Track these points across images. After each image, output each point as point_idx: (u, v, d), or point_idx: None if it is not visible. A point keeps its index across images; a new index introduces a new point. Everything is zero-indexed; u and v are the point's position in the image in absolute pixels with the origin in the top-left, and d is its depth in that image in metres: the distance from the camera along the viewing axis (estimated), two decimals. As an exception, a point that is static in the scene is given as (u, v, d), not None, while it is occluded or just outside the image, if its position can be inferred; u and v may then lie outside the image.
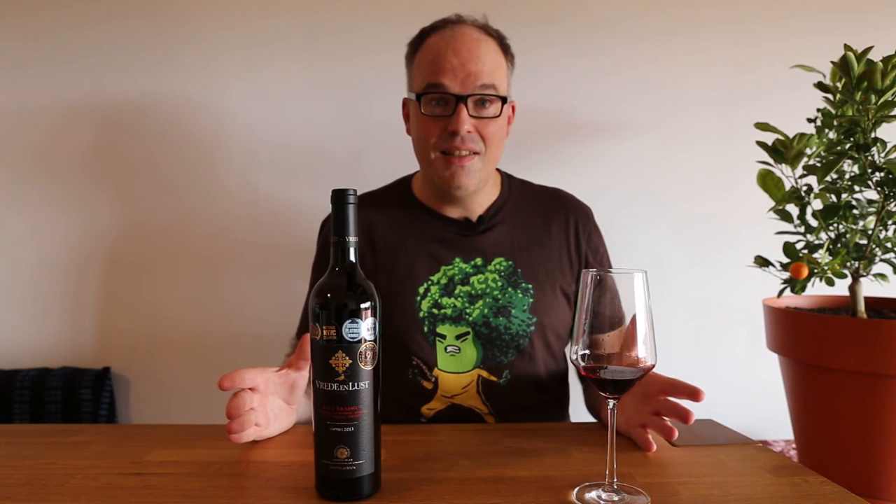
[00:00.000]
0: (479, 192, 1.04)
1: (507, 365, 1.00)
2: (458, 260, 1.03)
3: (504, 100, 0.98)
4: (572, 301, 1.07)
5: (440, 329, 1.00)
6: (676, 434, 0.76)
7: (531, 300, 1.02)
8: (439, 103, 0.97)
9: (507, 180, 1.12)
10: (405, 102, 1.07)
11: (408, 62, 1.04)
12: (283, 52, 1.42)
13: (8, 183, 1.45)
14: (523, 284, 1.03)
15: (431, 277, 1.02)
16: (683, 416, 0.74)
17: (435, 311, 1.00)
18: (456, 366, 1.00)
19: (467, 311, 1.00)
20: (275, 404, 0.80)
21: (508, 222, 1.07)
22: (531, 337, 1.01)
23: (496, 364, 1.00)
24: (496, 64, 0.98)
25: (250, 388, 0.75)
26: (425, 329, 1.00)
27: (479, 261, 1.03)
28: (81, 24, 1.41)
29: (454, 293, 1.01)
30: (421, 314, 1.00)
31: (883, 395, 0.91)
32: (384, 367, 0.94)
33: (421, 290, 1.01)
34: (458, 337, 1.00)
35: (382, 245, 1.05)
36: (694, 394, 0.74)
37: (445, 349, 1.00)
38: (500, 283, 1.02)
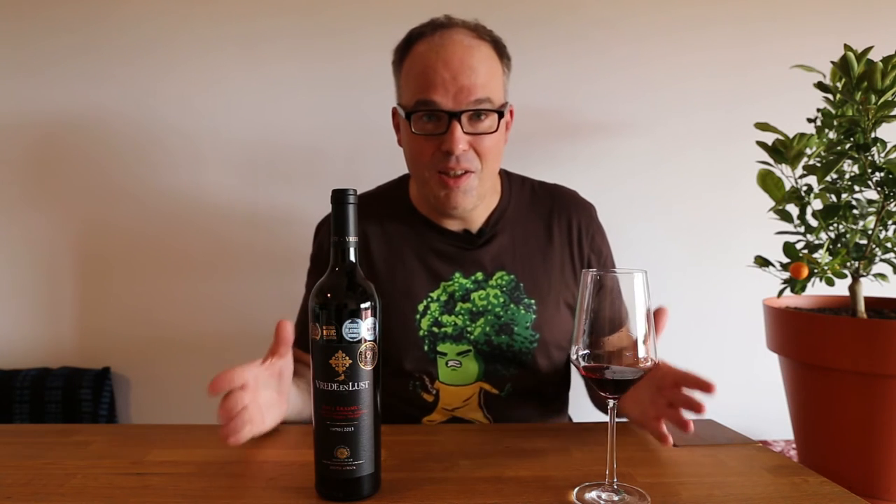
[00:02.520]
0: (476, 207, 1.00)
1: (508, 378, 0.99)
2: (458, 275, 1.00)
3: (501, 113, 0.93)
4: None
5: (441, 347, 0.98)
6: (692, 427, 0.75)
7: (534, 316, 0.99)
8: (431, 119, 0.91)
9: (507, 181, 1.08)
10: (395, 112, 1.02)
11: (395, 69, 0.99)
12: (280, 51, 1.42)
13: (9, 183, 1.45)
14: (525, 300, 0.99)
15: (431, 294, 0.99)
16: (696, 408, 0.73)
17: (435, 329, 0.98)
18: (457, 379, 0.98)
19: (468, 329, 0.98)
20: (266, 397, 0.78)
21: (510, 230, 1.03)
22: (534, 353, 0.99)
23: (498, 378, 0.99)
24: (491, 73, 0.92)
25: (240, 387, 0.74)
26: (426, 347, 0.97)
27: (479, 275, 1.00)
28: (82, 23, 1.41)
29: (455, 310, 0.98)
30: (421, 333, 0.97)
31: (883, 395, 0.91)
32: (384, 379, 0.94)
33: (420, 307, 0.99)
34: (459, 354, 0.98)
35: (379, 258, 1.02)
36: (706, 386, 0.73)
37: (447, 364, 0.98)
38: (501, 300, 0.99)
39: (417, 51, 0.93)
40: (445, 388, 0.98)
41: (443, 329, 0.98)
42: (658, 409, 0.78)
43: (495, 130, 0.93)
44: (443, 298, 0.99)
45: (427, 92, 0.90)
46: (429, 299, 0.99)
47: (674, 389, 0.76)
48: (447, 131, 0.90)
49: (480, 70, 0.90)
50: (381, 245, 1.03)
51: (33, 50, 1.42)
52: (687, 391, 0.75)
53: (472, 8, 1.01)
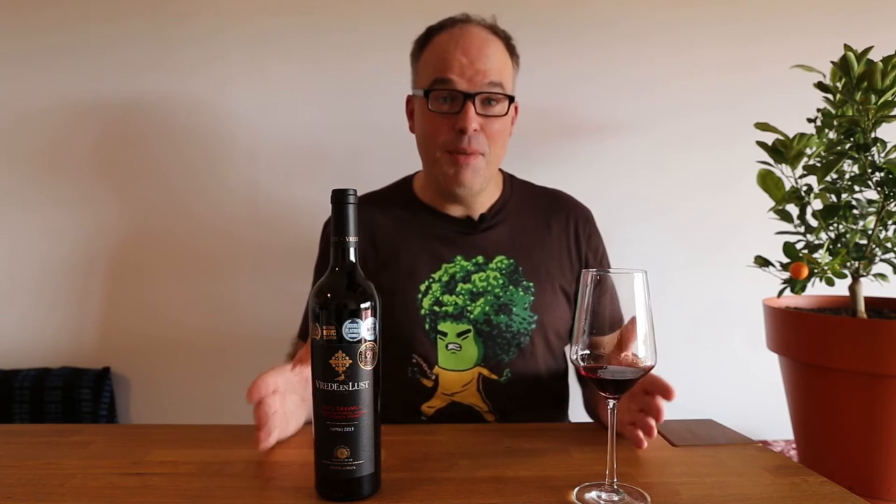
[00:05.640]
0: (481, 192, 1.05)
1: (507, 363, 1.01)
2: (459, 258, 1.03)
3: (511, 99, 0.99)
4: (572, 300, 1.07)
5: (441, 326, 1.00)
6: (655, 433, 0.76)
7: (532, 298, 1.02)
8: (446, 100, 0.97)
9: (509, 181, 1.13)
10: (409, 99, 1.07)
11: (413, 59, 1.05)
12: (283, 51, 1.42)
13: (9, 183, 1.45)
14: (524, 282, 1.03)
15: (433, 275, 1.02)
16: (656, 415, 0.75)
17: (436, 308, 1.01)
18: (457, 363, 1.00)
19: (468, 308, 1.01)
20: (292, 402, 0.81)
21: (510, 221, 1.08)
22: (532, 335, 1.01)
23: (497, 362, 1.00)
24: (504, 63, 0.99)
25: (272, 392, 0.75)
26: (427, 326, 1.00)
27: (480, 259, 1.04)
28: (83, 23, 1.41)
29: (455, 291, 1.02)
30: (422, 312, 1.00)
31: (883, 395, 0.91)
32: (385, 364, 0.95)
33: (422, 287, 1.02)
34: (459, 334, 1.00)
35: (385, 244, 1.06)
36: (666, 391, 0.75)
37: (446, 347, 1.00)
38: (501, 281, 1.02)
39: (437, 40, 1.00)
40: (445, 374, 1.00)
41: (443, 308, 1.01)
42: (632, 415, 0.79)
43: (505, 114, 0.99)
44: (444, 279, 1.02)
45: (445, 72, 0.96)
46: (430, 280, 1.02)
47: (643, 396, 0.78)
48: (461, 111, 0.95)
49: (495, 58, 0.98)
50: (387, 231, 1.07)
51: (31, 48, 1.42)
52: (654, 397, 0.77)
53: (474, 8, 1.02)
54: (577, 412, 1.12)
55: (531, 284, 1.03)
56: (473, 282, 1.02)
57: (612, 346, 0.62)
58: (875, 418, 0.92)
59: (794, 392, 1.05)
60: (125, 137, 1.44)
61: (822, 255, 1.00)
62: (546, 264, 1.05)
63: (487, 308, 1.01)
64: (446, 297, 1.01)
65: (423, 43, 1.02)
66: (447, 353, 1.00)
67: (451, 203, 1.06)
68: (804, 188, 1.04)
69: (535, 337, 1.02)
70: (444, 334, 1.00)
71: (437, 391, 1.00)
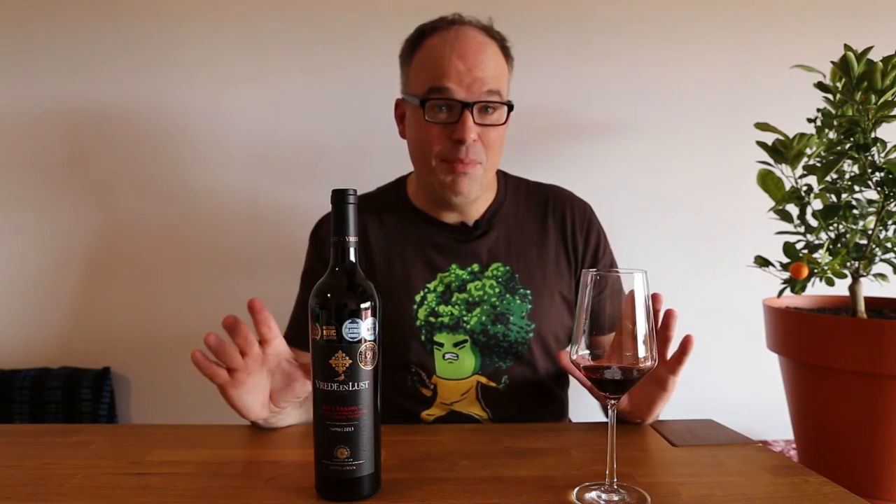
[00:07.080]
0: (477, 198, 1.02)
1: (505, 370, 0.99)
2: (454, 266, 1.01)
3: (510, 107, 0.96)
4: (572, 305, 1.05)
5: (437, 337, 0.98)
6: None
7: (529, 306, 1.00)
8: (443, 109, 0.94)
9: (503, 180, 1.10)
10: (398, 103, 1.04)
11: (404, 61, 1.01)
12: (281, 53, 1.42)
13: (7, 183, 1.45)
14: (521, 290, 1.01)
15: (428, 285, 1.00)
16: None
17: (432, 319, 0.99)
18: (454, 372, 0.99)
19: (465, 318, 0.99)
20: (259, 385, 0.80)
21: (505, 225, 1.05)
22: (529, 343, 1.00)
23: (495, 370, 0.99)
24: (500, 69, 0.96)
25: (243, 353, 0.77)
26: (423, 337, 0.98)
27: (476, 267, 1.02)
28: (80, 27, 1.41)
29: (451, 301, 1.00)
30: (418, 323, 0.99)
31: (883, 395, 0.91)
32: (383, 373, 0.94)
33: (417, 298, 1.00)
34: (455, 345, 0.99)
35: (378, 252, 1.03)
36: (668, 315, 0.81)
37: (443, 356, 0.98)
38: (497, 290, 1.00)
39: (431, 43, 0.95)
40: (443, 383, 0.99)
41: (439, 319, 0.99)
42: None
43: (503, 122, 0.96)
44: (439, 289, 1.00)
45: (442, 80, 0.92)
46: (426, 290, 1.00)
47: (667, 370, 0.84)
48: (459, 120, 0.92)
49: (491, 64, 0.94)
50: (380, 239, 1.04)
51: (27, 50, 1.43)
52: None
53: (476, 11, 1.01)
54: (578, 415, 1.12)
55: (528, 292, 1.01)
56: (469, 291, 1.00)
57: (611, 345, 0.62)
58: (875, 418, 0.92)
59: (794, 392, 1.05)
60: (127, 138, 1.44)
61: (822, 255, 1.00)
62: (543, 270, 1.03)
63: (484, 318, 0.99)
64: (442, 308, 0.99)
65: (415, 45, 0.97)
66: (444, 363, 0.99)
67: (446, 209, 1.03)
68: (804, 188, 1.04)
69: (533, 345, 1.00)
70: (441, 345, 0.98)
71: (436, 400, 0.99)
